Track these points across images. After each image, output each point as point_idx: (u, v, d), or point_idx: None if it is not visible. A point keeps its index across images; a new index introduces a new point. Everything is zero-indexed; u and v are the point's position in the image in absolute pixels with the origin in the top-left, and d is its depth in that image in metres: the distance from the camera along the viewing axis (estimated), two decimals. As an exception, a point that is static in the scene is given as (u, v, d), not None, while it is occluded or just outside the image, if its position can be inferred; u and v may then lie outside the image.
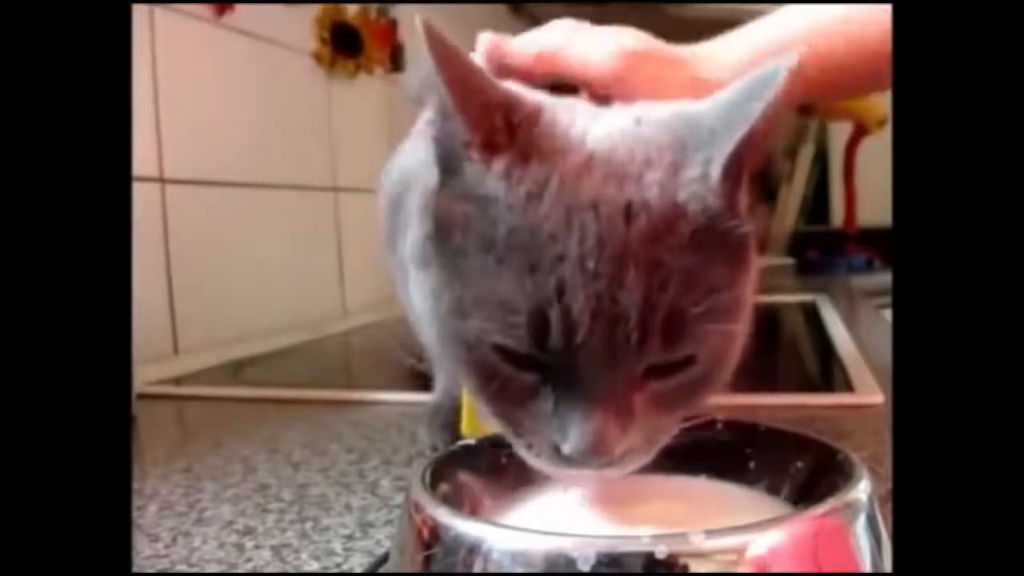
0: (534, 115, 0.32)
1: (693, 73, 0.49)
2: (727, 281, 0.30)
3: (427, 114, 0.32)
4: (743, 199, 0.32)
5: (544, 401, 0.30)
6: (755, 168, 0.32)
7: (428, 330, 0.33)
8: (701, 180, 0.30)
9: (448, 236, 0.31)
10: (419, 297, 0.34)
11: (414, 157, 0.43)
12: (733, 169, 0.30)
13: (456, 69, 0.30)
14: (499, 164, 0.30)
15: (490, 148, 0.31)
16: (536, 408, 0.31)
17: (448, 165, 0.32)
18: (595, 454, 0.29)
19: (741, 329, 0.32)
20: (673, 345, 0.29)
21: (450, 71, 0.30)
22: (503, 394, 0.31)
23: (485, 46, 0.50)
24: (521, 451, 0.32)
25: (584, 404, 0.29)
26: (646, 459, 0.32)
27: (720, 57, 0.51)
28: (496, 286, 0.29)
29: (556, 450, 0.30)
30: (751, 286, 0.32)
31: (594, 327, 0.28)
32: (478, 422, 0.41)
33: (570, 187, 0.30)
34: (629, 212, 0.29)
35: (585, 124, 0.32)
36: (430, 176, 0.33)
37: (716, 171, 0.30)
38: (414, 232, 0.34)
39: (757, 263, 0.33)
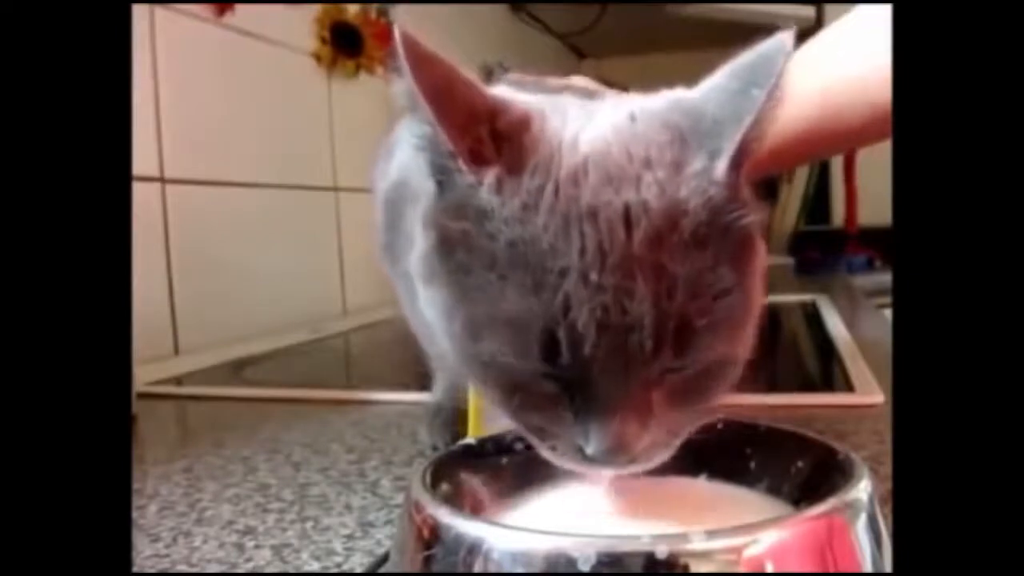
0: (523, 122, 0.31)
1: None
2: (735, 274, 0.29)
3: (413, 126, 0.31)
4: (745, 188, 0.31)
5: (564, 408, 0.30)
6: (758, 155, 0.31)
7: (440, 343, 0.33)
8: (704, 174, 0.29)
9: (451, 252, 0.31)
10: (429, 312, 0.33)
11: (411, 160, 0.43)
12: (739, 158, 0.30)
13: (435, 79, 0.29)
14: (489, 176, 0.30)
15: (478, 160, 0.30)
16: (557, 415, 0.30)
17: (440, 177, 0.31)
18: (617, 453, 0.29)
19: (753, 319, 0.32)
20: (685, 351, 0.29)
21: (428, 82, 0.29)
22: (525, 405, 0.31)
23: None
24: (546, 453, 0.32)
25: (603, 406, 0.29)
26: (668, 454, 0.31)
27: None
28: (502, 305, 0.29)
29: (580, 451, 0.30)
30: (760, 274, 0.32)
31: (600, 340, 0.28)
32: (484, 427, 0.41)
33: (565, 195, 0.29)
34: (628, 217, 0.28)
35: (578, 126, 0.31)
36: (429, 186, 0.33)
37: (724, 164, 0.29)
38: (418, 247, 0.34)
39: (764, 251, 0.32)
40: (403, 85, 0.30)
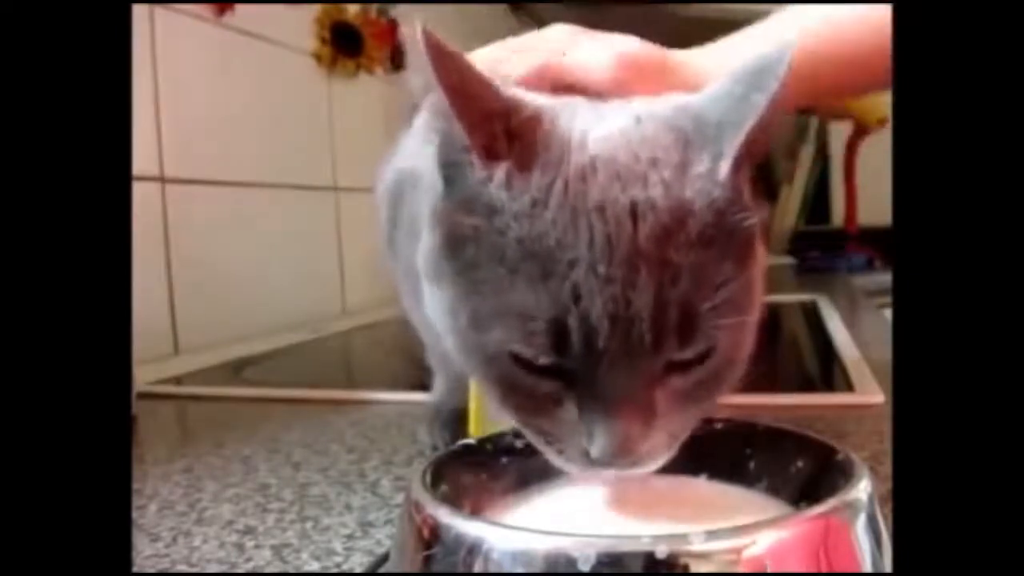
0: (534, 120, 0.31)
1: (685, 81, 0.49)
2: (736, 272, 0.30)
3: (429, 120, 0.32)
4: (747, 190, 0.32)
5: (568, 407, 0.30)
6: (758, 160, 0.32)
7: (444, 341, 0.33)
8: (708, 175, 0.30)
9: (459, 249, 0.31)
10: (435, 311, 0.33)
11: (414, 160, 0.43)
12: (741, 161, 0.30)
13: (455, 76, 0.30)
14: (500, 172, 0.30)
15: (491, 155, 0.31)
16: (561, 415, 0.31)
17: (450, 174, 0.32)
18: (621, 455, 0.29)
19: (753, 319, 0.32)
20: (688, 342, 0.29)
21: (449, 78, 0.30)
22: (528, 404, 0.31)
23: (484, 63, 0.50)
24: (550, 456, 0.32)
25: (607, 407, 0.29)
26: (670, 455, 0.32)
27: (713, 66, 0.51)
28: (512, 296, 0.29)
29: (585, 453, 0.30)
30: (759, 274, 0.32)
31: (613, 330, 0.28)
32: (484, 427, 0.41)
33: (574, 191, 0.30)
34: (635, 213, 0.29)
35: (586, 127, 0.32)
36: (437, 183, 0.33)
37: (726, 166, 0.30)
38: (425, 244, 0.34)
39: (763, 252, 0.33)
40: (421, 79, 0.30)
